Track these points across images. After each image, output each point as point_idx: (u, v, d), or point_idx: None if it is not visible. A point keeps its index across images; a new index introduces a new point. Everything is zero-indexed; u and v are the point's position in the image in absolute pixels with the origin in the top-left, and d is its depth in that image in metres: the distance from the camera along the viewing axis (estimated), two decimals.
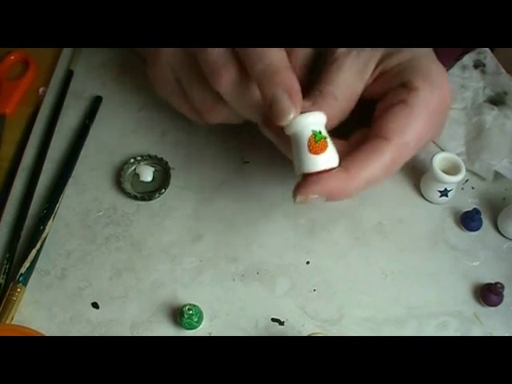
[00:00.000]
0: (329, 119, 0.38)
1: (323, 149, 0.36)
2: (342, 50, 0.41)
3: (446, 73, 0.40)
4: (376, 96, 0.42)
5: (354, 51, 0.41)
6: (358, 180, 0.37)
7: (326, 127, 0.37)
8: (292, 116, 0.36)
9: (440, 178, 0.44)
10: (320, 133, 0.36)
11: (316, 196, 0.37)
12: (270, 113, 0.36)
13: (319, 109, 0.38)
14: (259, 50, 0.37)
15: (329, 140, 0.37)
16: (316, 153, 0.36)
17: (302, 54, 0.42)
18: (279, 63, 0.36)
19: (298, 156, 0.37)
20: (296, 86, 0.36)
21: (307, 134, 0.36)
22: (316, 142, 0.36)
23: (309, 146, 0.36)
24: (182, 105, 0.44)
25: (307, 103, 0.39)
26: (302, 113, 0.36)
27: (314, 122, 0.36)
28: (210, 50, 0.38)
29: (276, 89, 0.36)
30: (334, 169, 0.37)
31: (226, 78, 0.38)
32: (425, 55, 0.41)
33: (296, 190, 0.37)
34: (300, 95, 0.37)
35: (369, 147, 0.38)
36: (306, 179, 0.37)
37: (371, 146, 0.38)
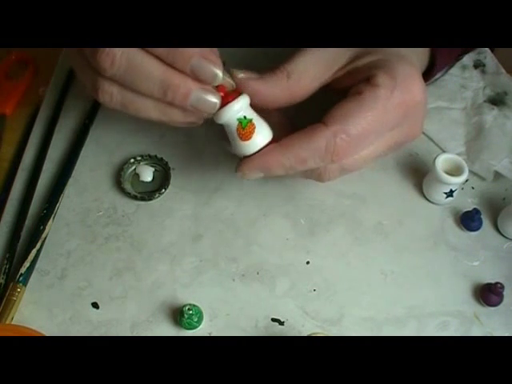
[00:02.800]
0: (275, 97, 0.39)
1: (251, 132, 0.38)
2: None
3: (417, 74, 0.39)
4: (343, 89, 0.41)
5: None
6: (291, 156, 0.38)
7: (253, 106, 0.39)
8: (220, 74, 0.37)
9: (445, 180, 0.44)
10: (245, 118, 0.38)
11: (254, 172, 0.39)
12: (199, 79, 0.37)
13: (264, 82, 0.39)
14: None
15: (256, 120, 0.38)
16: (246, 139, 0.38)
17: None
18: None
19: (232, 143, 0.39)
20: (207, 50, 0.37)
21: (234, 123, 0.38)
22: (243, 129, 0.38)
23: (238, 135, 0.38)
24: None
25: (253, 74, 0.39)
26: (225, 103, 0.38)
27: (237, 109, 0.38)
28: None
29: (191, 59, 0.36)
30: (269, 143, 0.39)
31: (103, 57, 0.36)
32: (396, 56, 0.40)
33: (237, 169, 0.39)
34: (214, 54, 0.37)
35: (307, 129, 0.38)
36: (244, 159, 0.39)
37: (309, 128, 0.38)
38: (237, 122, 0.38)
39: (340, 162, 0.39)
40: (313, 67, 0.40)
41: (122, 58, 0.36)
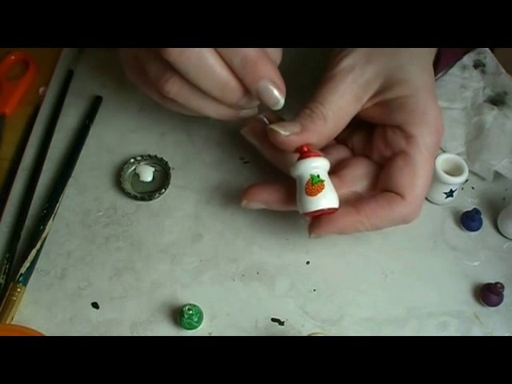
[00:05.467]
0: (315, 141, 0.40)
1: (318, 191, 0.38)
2: (343, 65, 0.41)
3: (441, 111, 0.41)
4: (373, 121, 0.42)
5: (356, 71, 0.40)
6: (368, 224, 0.39)
7: (329, 171, 0.40)
8: (282, 101, 0.39)
9: (445, 180, 0.44)
10: (318, 176, 0.38)
11: (329, 234, 0.39)
12: (261, 101, 0.39)
13: (306, 134, 0.39)
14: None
15: (327, 183, 0.39)
16: (311, 194, 0.38)
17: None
18: (255, 54, 0.38)
19: (298, 197, 0.39)
20: (277, 73, 0.39)
21: (306, 177, 0.39)
22: (312, 185, 0.38)
23: (306, 189, 0.38)
24: (142, 82, 0.43)
25: (295, 127, 0.39)
26: (305, 157, 0.39)
27: (313, 166, 0.39)
28: None
29: (260, 81, 0.38)
30: (334, 209, 0.39)
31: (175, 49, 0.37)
32: (424, 92, 0.40)
33: (310, 229, 0.39)
34: (282, 80, 0.39)
35: (383, 201, 0.39)
36: (319, 219, 0.39)
37: (387, 198, 0.39)
38: (309, 177, 0.38)
39: None
40: (345, 104, 0.41)
41: (193, 55, 0.37)
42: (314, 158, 0.39)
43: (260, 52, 0.38)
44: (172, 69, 0.38)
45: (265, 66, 0.38)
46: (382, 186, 0.40)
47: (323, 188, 0.38)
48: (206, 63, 0.37)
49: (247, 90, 0.39)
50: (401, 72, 0.41)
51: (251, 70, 0.38)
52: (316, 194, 0.38)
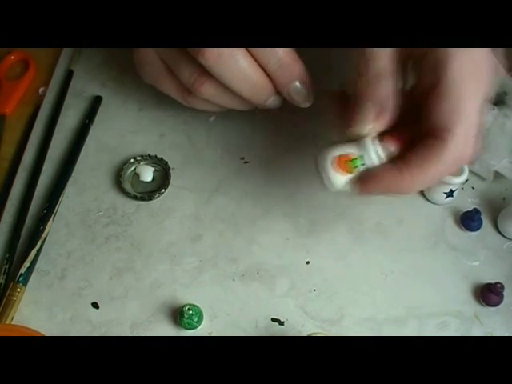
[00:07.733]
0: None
1: (345, 171, 0.37)
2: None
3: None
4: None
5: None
6: (413, 181, 0.36)
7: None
8: (310, 103, 0.41)
9: (445, 180, 0.44)
10: (362, 164, 0.37)
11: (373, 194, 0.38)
12: (291, 101, 0.41)
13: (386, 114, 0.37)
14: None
15: (354, 176, 0.37)
16: (339, 168, 0.37)
17: None
18: (289, 55, 0.39)
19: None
20: (307, 74, 0.40)
21: (356, 154, 0.37)
22: (348, 163, 0.37)
23: (339, 160, 0.37)
24: (169, 85, 0.44)
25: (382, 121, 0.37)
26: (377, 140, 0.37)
27: (370, 151, 0.37)
28: None
29: (293, 82, 0.40)
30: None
31: (210, 51, 0.38)
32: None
33: (354, 185, 0.38)
34: (311, 80, 0.41)
35: (425, 148, 0.36)
36: (364, 178, 0.37)
37: (427, 146, 0.36)
38: (357, 156, 0.37)
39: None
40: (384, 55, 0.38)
41: (229, 59, 0.38)
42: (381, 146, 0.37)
43: (293, 53, 0.39)
44: (207, 72, 0.39)
45: (297, 67, 0.40)
46: (424, 127, 0.36)
47: (348, 174, 0.37)
48: (241, 66, 0.39)
49: (276, 91, 0.41)
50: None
51: (286, 71, 0.39)
52: (338, 170, 0.37)
